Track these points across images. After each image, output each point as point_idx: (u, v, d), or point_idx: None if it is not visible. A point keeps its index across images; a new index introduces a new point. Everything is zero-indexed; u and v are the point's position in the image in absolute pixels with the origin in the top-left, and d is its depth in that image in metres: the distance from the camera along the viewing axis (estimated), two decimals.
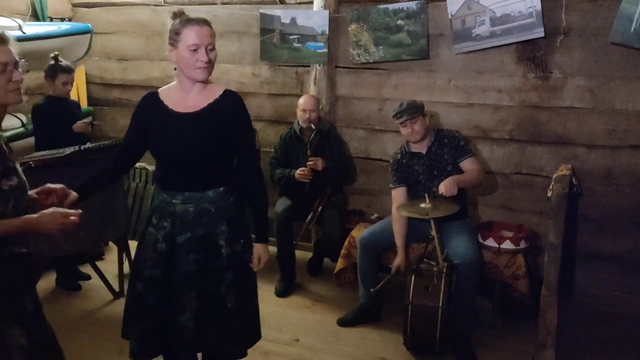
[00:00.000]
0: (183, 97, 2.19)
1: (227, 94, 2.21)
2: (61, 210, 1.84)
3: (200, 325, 2.17)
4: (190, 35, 2.07)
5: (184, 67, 2.12)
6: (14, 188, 1.79)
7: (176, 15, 2.13)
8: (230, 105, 2.19)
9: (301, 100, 4.09)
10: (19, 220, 1.77)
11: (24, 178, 1.86)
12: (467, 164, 3.39)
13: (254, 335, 2.39)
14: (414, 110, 3.34)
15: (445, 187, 3.17)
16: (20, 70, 1.84)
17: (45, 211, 1.82)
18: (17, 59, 1.83)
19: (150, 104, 2.22)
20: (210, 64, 2.12)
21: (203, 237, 2.18)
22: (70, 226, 1.83)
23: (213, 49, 2.14)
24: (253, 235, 2.33)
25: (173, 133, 2.14)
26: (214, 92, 2.19)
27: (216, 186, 2.19)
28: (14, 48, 1.83)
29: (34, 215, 1.80)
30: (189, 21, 2.09)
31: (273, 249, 4.12)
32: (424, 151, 3.42)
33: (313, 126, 4.01)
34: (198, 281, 2.17)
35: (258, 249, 2.29)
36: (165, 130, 2.16)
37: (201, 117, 2.14)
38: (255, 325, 2.39)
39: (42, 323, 1.99)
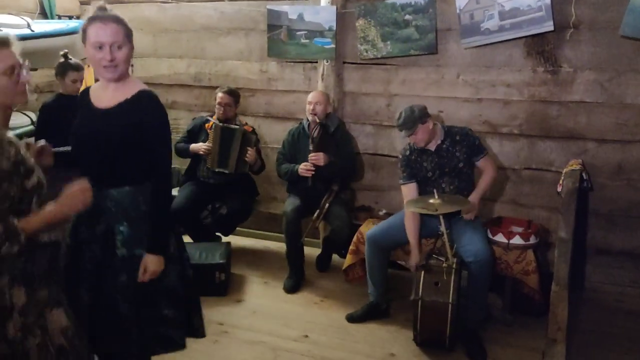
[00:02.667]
0: (102, 92, 2.16)
1: (141, 94, 2.13)
2: (74, 186, 1.88)
3: (88, 325, 2.08)
4: (93, 33, 2.03)
5: (92, 65, 2.10)
6: (35, 186, 1.83)
7: (94, 11, 2.10)
8: (141, 106, 2.11)
9: (310, 94, 4.10)
10: (42, 215, 1.82)
11: (42, 174, 1.90)
12: (482, 163, 3.39)
13: (168, 342, 2.25)
14: (411, 124, 3.26)
15: (471, 214, 3.28)
16: (24, 71, 1.85)
17: (61, 197, 1.86)
18: (21, 60, 1.84)
19: (82, 98, 2.23)
20: (114, 63, 2.04)
21: (102, 235, 2.12)
22: (90, 195, 1.89)
23: (122, 47, 2.05)
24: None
25: (83, 127, 2.14)
26: (129, 91, 2.12)
27: (121, 185, 2.12)
28: (18, 49, 1.84)
29: (53, 206, 1.84)
30: (94, 18, 2.05)
31: (282, 245, 4.15)
32: (433, 148, 3.40)
33: (317, 120, 4.00)
34: (92, 278, 2.11)
35: (145, 259, 2.11)
36: (80, 125, 2.15)
37: (110, 115, 2.10)
38: (168, 332, 2.23)
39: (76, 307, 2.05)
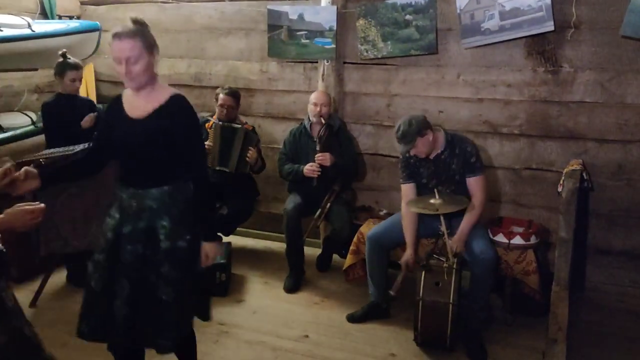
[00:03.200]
0: (134, 101, 2.32)
1: (173, 99, 2.31)
2: (24, 207, 1.93)
3: (131, 314, 2.27)
4: (112, 49, 2.21)
5: (118, 76, 2.26)
6: None
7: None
8: (174, 111, 2.29)
9: (313, 95, 4.09)
10: None
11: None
12: (472, 183, 3.30)
13: (185, 329, 2.45)
14: (410, 137, 3.19)
15: (459, 246, 3.22)
16: None
17: (9, 210, 1.90)
18: None
19: (114, 106, 2.37)
20: (132, 76, 2.21)
21: (144, 231, 2.30)
22: (40, 218, 1.94)
23: (137, 61, 2.20)
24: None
25: (123, 135, 2.30)
26: (161, 98, 2.30)
27: (160, 184, 2.30)
28: None
29: (2, 215, 1.88)
30: (114, 35, 2.22)
31: (282, 245, 4.15)
32: (432, 157, 3.36)
33: (323, 120, 4.00)
34: (132, 271, 2.28)
35: (204, 247, 2.40)
36: (119, 132, 2.31)
37: (147, 123, 2.27)
38: (188, 320, 2.46)
39: (21, 319, 2.01)
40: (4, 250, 1.97)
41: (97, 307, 2.32)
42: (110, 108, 2.41)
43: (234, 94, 4.27)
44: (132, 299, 2.27)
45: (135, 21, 2.27)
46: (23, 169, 2.17)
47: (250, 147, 4.19)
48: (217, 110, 4.28)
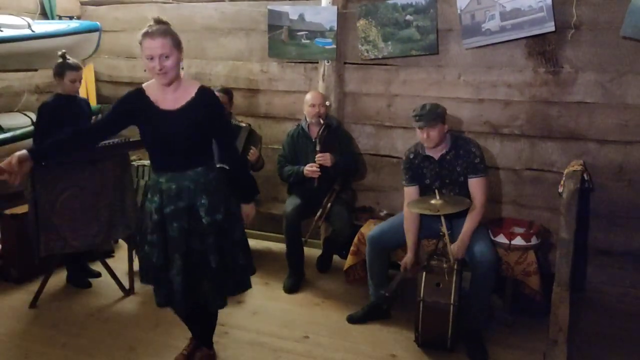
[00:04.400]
0: (164, 95, 2.54)
1: (201, 91, 2.56)
2: None
3: (185, 280, 2.59)
4: (145, 47, 2.44)
5: (148, 72, 2.49)
6: None
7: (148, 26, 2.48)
8: (205, 101, 2.56)
9: (308, 96, 4.07)
10: None
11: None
12: (474, 184, 3.30)
13: (242, 285, 2.80)
14: (434, 116, 3.23)
15: (460, 253, 3.21)
16: None
17: None
18: None
19: (137, 99, 2.57)
20: (165, 70, 2.44)
21: (185, 209, 2.58)
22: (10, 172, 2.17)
23: (169, 56, 2.43)
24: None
25: (159, 127, 2.53)
26: (190, 91, 2.55)
27: (195, 166, 2.59)
28: None
29: None
30: (146, 34, 2.44)
31: (282, 246, 4.15)
32: (436, 157, 3.37)
33: (322, 121, 4.00)
34: (181, 245, 2.57)
35: (245, 208, 2.82)
36: (153, 124, 2.54)
37: (181, 114, 2.52)
38: (243, 277, 2.78)
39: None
40: None
41: (162, 279, 2.63)
42: (134, 101, 2.58)
43: (226, 92, 4.27)
44: (185, 268, 2.57)
45: (160, 21, 2.48)
46: (13, 158, 2.36)
47: (253, 147, 4.19)
48: None
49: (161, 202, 2.59)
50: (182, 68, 2.57)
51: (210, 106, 2.58)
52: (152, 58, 2.42)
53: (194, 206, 2.59)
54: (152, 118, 2.53)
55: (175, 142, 2.52)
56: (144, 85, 2.62)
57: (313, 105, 4.01)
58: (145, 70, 2.51)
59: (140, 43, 2.46)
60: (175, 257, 2.58)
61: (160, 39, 2.41)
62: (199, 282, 2.65)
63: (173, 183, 2.57)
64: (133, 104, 2.58)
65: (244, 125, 4.24)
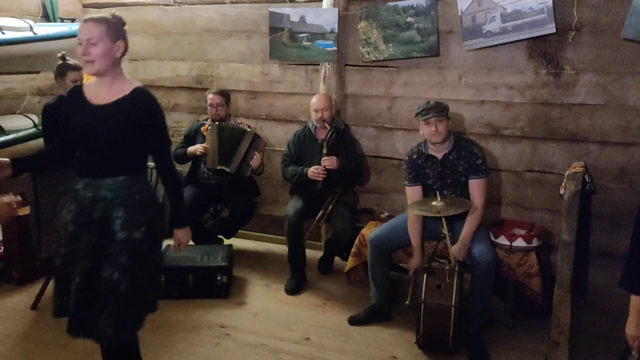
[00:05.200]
0: (98, 90, 2.34)
1: (136, 91, 2.32)
2: (3, 198, 2.02)
3: (82, 300, 2.24)
4: (77, 32, 2.27)
5: (79, 61, 2.31)
6: None
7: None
8: (137, 102, 2.30)
9: (313, 100, 4.06)
10: None
11: None
12: (474, 185, 3.31)
13: (141, 321, 2.39)
14: (441, 109, 3.27)
15: (461, 254, 3.21)
16: None
17: None
18: None
19: (75, 96, 2.38)
20: (91, 58, 2.24)
21: (97, 221, 2.27)
22: (17, 212, 2.04)
23: (96, 43, 2.23)
24: None
25: (82, 123, 2.30)
26: (124, 89, 2.32)
27: (117, 174, 2.30)
28: None
29: None
30: (82, 20, 2.29)
31: (284, 247, 4.15)
32: (439, 156, 3.37)
33: (327, 125, 3.99)
34: (85, 261, 2.26)
35: (177, 233, 2.52)
36: (77, 120, 2.32)
37: (108, 110, 2.28)
38: (142, 312, 2.39)
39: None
40: None
41: (64, 285, 2.33)
42: (70, 97, 2.40)
43: (222, 93, 4.29)
44: (81, 287, 2.25)
45: (113, 15, 2.34)
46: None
47: (256, 152, 4.19)
48: (208, 111, 4.30)
49: (76, 210, 2.31)
50: (120, 63, 2.36)
51: (143, 107, 2.31)
52: (80, 43, 2.24)
53: (109, 219, 2.27)
54: (80, 112, 2.32)
55: (97, 141, 2.27)
56: (85, 83, 2.45)
57: (316, 110, 4.00)
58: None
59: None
60: (75, 273, 2.26)
61: (92, 23, 2.24)
62: (99, 309, 2.25)
63: (89, 191, 2.29)
64: (71, 100, 2.39)
65: (248, 129, 4.26)
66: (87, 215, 2.29)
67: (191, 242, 4.28)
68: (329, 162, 3.91)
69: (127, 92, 2.30)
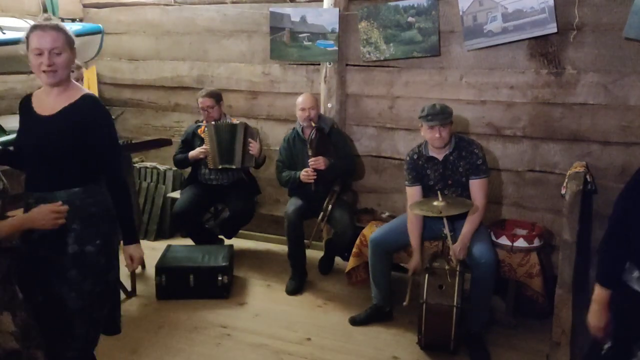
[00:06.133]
0: (45, 99, 2.27)
1: (84, 98, 2.25)
2: (49, 206, 2.02)
3: (41, 319, 2.16)
4: (33, 40, 2.17)
5: (34, 71, 2.22)
6: (1, 191, 1.94)
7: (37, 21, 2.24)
8: (84, 110, 2.23)
9: (299, 99, 4.06)
10: (13, 219, 1.93)
11: (6, 180, 2.01)
12: (475, 185, 3.32)
13: (92, 342, 2.34)
14: (447, 116, 3.25)
15: (462, 254, 3.21)
16: None
17: (35, 209, 1.99)
18: None
19: (25, 106, 2.32)
20: (53, 68, 2.17)
21: (52, 233, 2.15)
22: (62, 217, 2.02)
23: (61, 53, 2.18)
24: None
25: (28, 134, 2.25)
26: (72, 96, 2.24)
27: (69, 187, 2.21)
28: None
29: (26, 215, 1.98)
30: (35, 27, 2.18)
31: (284, 247, 4.14)
32: (440, 157, 3.37)
33: (313, 124, 3.99)
34: (41, 277, 2.19)
35: (127, 250, 2.36)
36: (23, 131, 2.27)
37: (54, 120, 2.20)
38: (96, 332, 2.34)
39: (28, 312, 2.09)
40: (19, 246, 2.05)
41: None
42: (20, 108, 2.34)
43: (211, 94, 4.28)
44: (42, 306, 2.17)
45: (51, 18, 2.26)
46: None
47: (252, 140, 4.19)
48: (202, 115, 4.31)
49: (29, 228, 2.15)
50: (73, 71, 2.34)
51: (91, 113, 2.23)
52: (40, 53, 2.15)
53: (62, 232, 2.16)
54: (25, 124, 2.27)
55: (45, 152, 2.18)
56: (35, 92, 2.36)
57: (303, 109, 4.00)
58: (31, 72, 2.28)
59: (27, 37, 2.19)
60: (36, 291, 2.18)
61: (53, 32, 2.17)
62: (53, 325, 2.19)
63: (41, 204, 2.14)
64: (22, 111, 2.33)
65: (238, 122, 4.26)
66: (40, 230, 2.15)
67: (192, 242, 4.35)
68: (315, 163, 3.91)
69: (74, 99, 2.23)
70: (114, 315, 2.46)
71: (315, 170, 3.91)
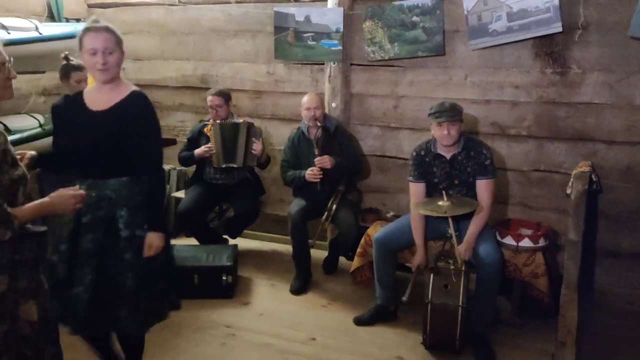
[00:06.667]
0: (97, 95, 2.47)
1: (133, 94, 2.47)
2: (69, 190, 2.05)
3: (93, 299, 2.38)
4: (88, 41, 2.37)
5: (89, 69, 2.46)
6: (21, 177, 1.94)
7: (87, 23, 2.45)
8: (133, 105, 2.45)
9: (305, 99, 4.06)
10: (33, 205, 1.94)
11: (24, 167, 2.02)
12: (482, 186, 3.30)
13: (157, 314, 2.58)
14: (456, 112, 3.23)
15: (467, 254, 3.20)
16: (11, 67, 2.00)
17: (55, 193, 2.01)
18: (7, 57, 1.99)
19: (74, 103, 2.51)
20: (108, 66, 2.37)
21: (102, 220, 2.42)
22: (81, 201, 2.07)
23: (113, 52, 2.38)
24: None
25: (82, 128, 2.44)
26: (123, 92, 2.45)
27: (118, 175, 2.43)
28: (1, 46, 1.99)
29: (46, 199, 1.98)
30: (88, 29, 2.39)
31: (289, 247, 4.15)
32: (448, 156, 3.35)
33: (319, 124, 3.99)
34: (93, 259, 2.40)
35: (148, 237, 2.49)
36: (79, 125, 2.46)
37: (107, 115, 2.41)
38: (159, 305, 2.57)
39: (50, 301, 2.14)
40: (45, 230, 2.07)
41: (62, 293, 2.40)
42: (69, 105, 2.55)
43: (221, 93, 4.29)
44: (94, 285, 2.38)
45: (97, 20, 2.45)
46: (30, 155, 2.35)
47: (255, 139, 4.19)
48: (210, 113, 4.30)
49: (79, 210, 2.35)
50: (124, 69, 2.51)
51: (139, 109, 2.45)
52: (95, 53, 2.35)
53: (113, 217, 2.43)
54: (80, 119, 2.46)
55: (98, 145, 2.41)
56: (85, 89, 2.58)
57: (308, 109, 4.00)
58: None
59: (81, 39, 2.39)
60: (85, 271, 2.39)
61: (105, 33, 2.38)
62: (110, 303, 2.42)
63: (94, 191, 2.41)
64: (69, 107, 2.53)
65: (241, 121, 4.25)
66: (92, 213, 2.40)
67: (196, 242, 4.35)
68: (321, 162, 3.91)
69: (124, 95, 2.44)
70: (171, 293, 2.64)
71: (321, 169, 3.91)
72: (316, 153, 3.94)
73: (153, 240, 2.49)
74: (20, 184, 1.93)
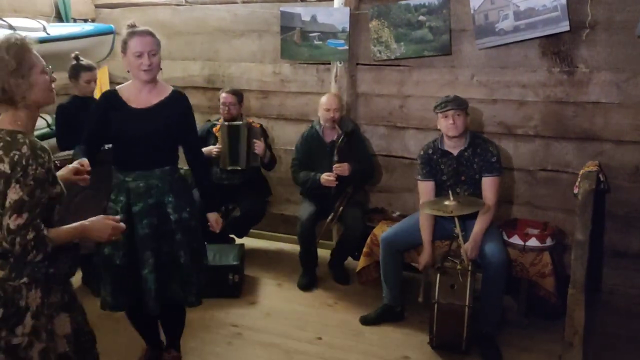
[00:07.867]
0: (137, 95, 2.67)
1: (175, 93, 2.73)
2: (111, 219, 2.03)
3: (159, 278, 2.65)
4: (134, 44, 2.57)
5: (133, 70, 2.62)
6: (59, 194, 1.91)
7: (128, 27, 2.64)
8: (176, 103, 2.71)
9: (324, 99, 4.04)
10: (72, 227, 1.91)
11: (62, 183, 1.97)
12: (487, 183, 3.31)
13: (203, 289, 2.86)
14: (461, 102, 3.30)
15: (474, 252, 3.20)
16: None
17: (95, 219, 1.98)
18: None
19: (111, 100, 2.69)
20: (152, 67, 2.59)
21: (154, 206, 2.66)
22: (119, 234, 2.05)
23: (155, 54, 2.60)
24: None
25: (130, 125, 2.63)
26: (164, 92, 2.70)
27: (162, 165, 2.68)
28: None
29: (86, 222, 1.95)
30: (133, 33, 2.59)
31: (295, 247, 4.15)
32: (455, 153, 3.36)
33: (340, 130, 3.97)
34: (152, 242, 2.64)
35: (211, 216, 2.94)
36: (124, 122, 2.64)
37: (152, 113, 2.64)
38: (202, 278, 2.85)
39: (83, 315, 2.13)
40: (77, 243, 2.04)
41: (126, 281, 2.67)
42: (106, 101, 2.71)
43: (235, 92, 4.30)
44: (156, 266, 2.64)
45: (135, 25, 2.65)
46: (77, 162, 2.33)
47: (256, 140, 4.19)
48: (220, 110, 4.31)
49: (128, 200, 2.65)
50: (161, 69, 2.68)
51: (182, 107, 2.72)
52: (140, 55, 2.55)
53: (162, 203, 2.67)
54: (123, 117, 2.64)
55: (144, 140, 2.62)
56: (117, 87, 2.75)
57: (328, 110, 3.98)
58: (128, 71, 2.64)
59: (126, 42, 2.59)
60: (147, 255, 2.63)
61: (149, 36, 2.59)
62: (169, 280, 2.71)
63: (141, 181, 2.65)
64: (107, 104, 2.69)
65: (241, 122, 4.24)
66: (143, 202, 2.64)
67: None
68: (340, 169, 3.89)
69: (166, 95, 2.68)
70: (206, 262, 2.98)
71: (337, 175, 3.90)
72: (335, 160, 3.92)
73: (216, 218, 2.93)
74: (57, 202, 1.91)
